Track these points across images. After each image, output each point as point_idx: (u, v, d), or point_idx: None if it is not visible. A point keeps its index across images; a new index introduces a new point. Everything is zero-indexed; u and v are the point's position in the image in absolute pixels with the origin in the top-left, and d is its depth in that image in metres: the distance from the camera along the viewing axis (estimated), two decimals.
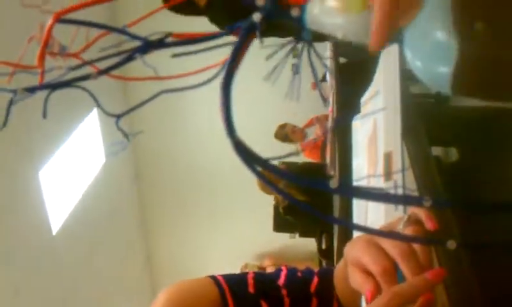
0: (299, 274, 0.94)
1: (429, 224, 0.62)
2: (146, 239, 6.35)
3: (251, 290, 0.89)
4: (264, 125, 4.65)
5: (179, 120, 5.73)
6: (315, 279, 0.91)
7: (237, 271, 4.51)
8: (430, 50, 0.55)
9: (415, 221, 0.65)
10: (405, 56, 0.58)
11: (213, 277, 0.90)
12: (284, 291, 0.89)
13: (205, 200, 6.05)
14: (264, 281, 0.92)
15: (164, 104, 5.34)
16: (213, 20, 2.15)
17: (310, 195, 2.76)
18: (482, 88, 0.51)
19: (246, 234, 6.05)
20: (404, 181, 0.74)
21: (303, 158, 4.47)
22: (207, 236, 6.17)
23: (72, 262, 4.23)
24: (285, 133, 4.66)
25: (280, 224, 4.30)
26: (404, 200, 0.44)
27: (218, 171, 5.71)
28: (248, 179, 3.91)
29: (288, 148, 4.56)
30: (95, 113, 4.69)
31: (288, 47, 0.59)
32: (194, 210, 6.08)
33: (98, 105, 0.49)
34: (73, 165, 4.44)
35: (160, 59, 0.53)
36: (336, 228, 2.45)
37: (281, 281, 0.91)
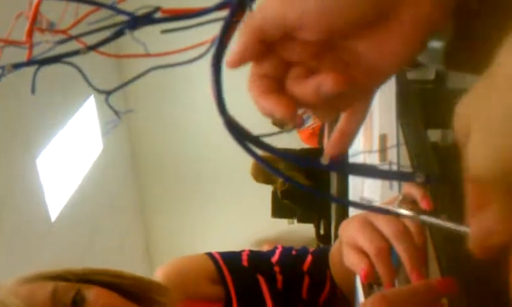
0: (293, 252, 0.94)
1: (424, 204, 0.62)
2: (145, 226, 6.37)
3: (245, 264, 0.89)
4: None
5: (177, 106, 5.72)
6: (309, 258, 0.92)
7: None
8: None
9: (410, 201, 0.65)
10: None
11: (208, 253, 0.92)
12: (277, 268, 0.90)
13: (203, 186, 6.06)
14: (258, 257, 0.93)
15: (162, 89, 5.33)
16: None
17: (310, 179, 2.76)
18: (475, 63, 0.51)
19: (244, 220, 6.07)
20: (398, 160, 0.74)
21: (301, 145, 4.48)
22: (205, 222, 6.18)
23: (70, 249, 4.24)
24: (282, 120, 4.64)
25: (278, 210, 4.31)
26: (397, 176, 0.44)
27: (216, 158, 5.71)
28: (246, 164, 3.91)
29: (285, 134, 4.55)
30: (91, 100, 4.67)
31: None
32: (192, 196, 6.09)
33: (87, 81, 0.48)
34: (70, 152, 4.43)
35: (153, 36, 0.53)
36: (334, 213, 2.45)
37: (275, 258, 0.92)
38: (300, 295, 0.90)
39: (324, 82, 0.38)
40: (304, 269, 0.91)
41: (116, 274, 0.78)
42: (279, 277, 0.89)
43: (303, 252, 0.95)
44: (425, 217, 0.44)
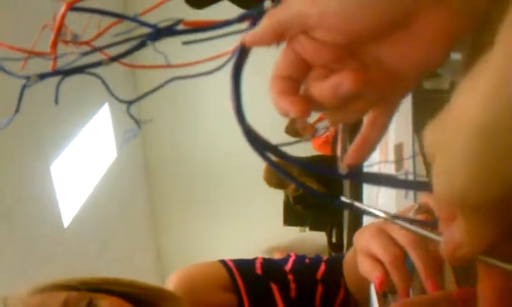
0: (307, 260, 0.94)
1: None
2: (157, 233, 6.38)
3: (258, 272, 0.90)
4: (274, 121, 4.65)
5: (190, 114, 5.74)
6: (322, 267, 0.92)
7: None
8: None
9: (425, 210, 0.65)
10: None
11: (222, 261, 0.92)
12: (290, 277, 0.90)
13: (215, 195, 6.07)
14: (271, 265, 0.93)
15: (175, 98, 5.36)
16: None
17: (323, 185, 2.76)
18: None
19: (256, 228, 6.06)
20: (415, 170, 0.74)
21: (313, 153, 4.47)
22: (217, 230, 6.19)
23: (83, 255, 4.26)
24: (295, 128, 4.64)
25: (290, 218, 4.30)
26: (412, 185, 0.45)
27: (228, 167, 5.72)
28: (258, 173, 3.91)
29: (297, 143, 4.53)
30: (106, 107, 4.71)
31: None
32: (204, 204, 6.10)
33: (109, 91, 0.49)
34: (84, 159, 4.46)
35: (172, 48, 0.53)
36: (346, 222, 2.44)
37: (289, 266, 0.92)
38: (313, 304, 0.90)
39: (343, 81, 0.39)
40: (317, 278, 0.91)
41: (128, 283, 0.78)
42: (292, 286, 0.89)
43: (317, 260, 0.94)
44: (396, 220, 0.44)
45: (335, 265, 0.92)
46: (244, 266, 0.92)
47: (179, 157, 5.96)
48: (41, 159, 3.72)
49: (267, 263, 0.93)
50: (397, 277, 0.62)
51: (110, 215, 4.89)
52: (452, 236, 0.32)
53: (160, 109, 5.39)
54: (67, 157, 4.08)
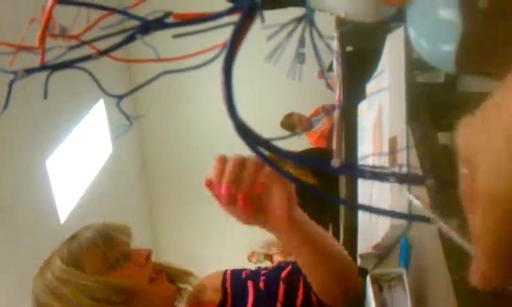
0: (282, 264, 1.09)
1: None
2: (153, 228, 6.38)
3: (243, 276, 1.09)
4: (270, 115, 4.66)
5: (186, 111, 5.73)
6: (289, 268, 1.05)
7: (244, 259, 4.48)
8: (434, 29, 0.55)
9: None
10: (409, 35, 0.58)
11: (225, 270, 1.12)
12: (262, 277, 1.05)
13: None
14: (254, 271, 1.10)
15: (170, 93, 5.34)
16: None
17: (318, 180, 2.75)
18: (486, 66, 0.50)
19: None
20: (408, 163, 0.74)
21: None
22: (214, 225, 6.18)
23: None
24: (291, 123, 4.65)
25: None
26: (406, 179, 0.44)
27: None
28: None
29: (293, 137, 4.54)
30: (101, 103, 4.70)
31: (290, 27, 0.58)
32: (201, 199, 6.09)
33: (99, 85, 0.49)
34: (80, 155, 4.45)
35: (164, 41, 0.53)
36: (342, 218, 2.44)
37: (267, 270, 1.08)
38: (277, 296, 1.01)
39: None
40: (281, 276, 1.03)
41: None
42: (261, 284, 1.04)
43: (289, 263, 1.07)
44: (439, 223, 0.44)
45: (299, 268, 0.98)
46: (235, 271, 1.11)
47: (175, 152, 5.95)
48: (37, 155, 3.71)
49: (253, 270, 1.11)
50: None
51: (106, 211, 4.88)
52: (478, 271, 0.33)
53: (156, 104, 5.38)
54: (63, 153, 4.06)
